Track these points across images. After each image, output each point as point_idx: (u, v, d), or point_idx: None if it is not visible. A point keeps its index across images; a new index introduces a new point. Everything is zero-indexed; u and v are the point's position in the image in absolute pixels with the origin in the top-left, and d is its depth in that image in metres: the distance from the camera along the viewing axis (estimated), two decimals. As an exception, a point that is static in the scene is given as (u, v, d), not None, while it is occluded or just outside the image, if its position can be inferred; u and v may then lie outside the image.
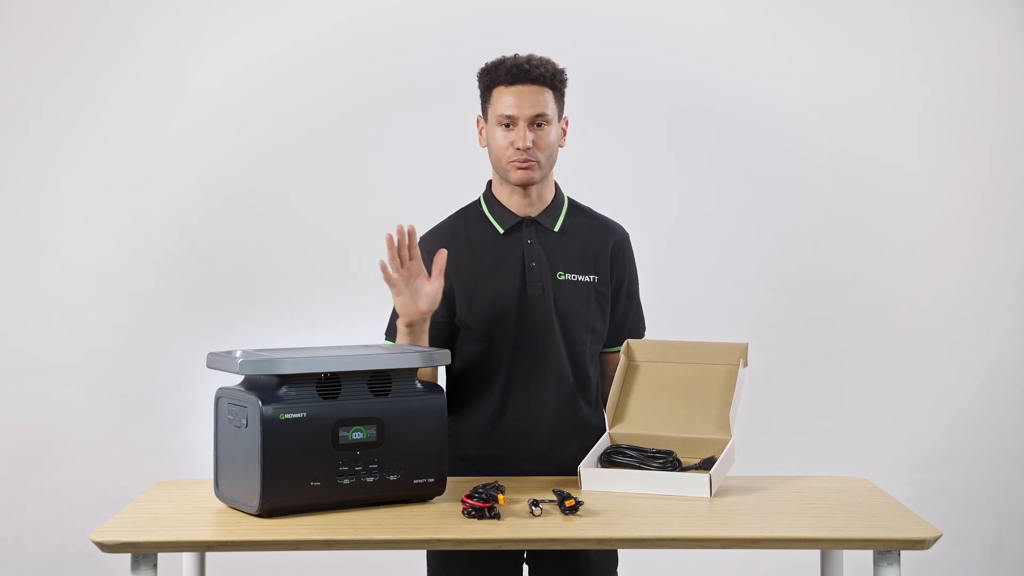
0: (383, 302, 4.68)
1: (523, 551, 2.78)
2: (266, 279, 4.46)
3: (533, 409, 2.73)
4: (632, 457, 2.57)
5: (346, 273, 4.45)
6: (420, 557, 2.89)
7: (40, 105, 4.41)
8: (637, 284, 2.89)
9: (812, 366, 4.52)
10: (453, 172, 4.46)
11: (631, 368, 2.72)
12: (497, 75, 2.70)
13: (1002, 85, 4.53)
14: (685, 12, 4.53)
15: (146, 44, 4.44)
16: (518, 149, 2.68)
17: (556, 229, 2.78)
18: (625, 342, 2.72)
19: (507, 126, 2.69)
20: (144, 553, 2.18)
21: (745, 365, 2.69)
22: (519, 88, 2.68)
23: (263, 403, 2.28)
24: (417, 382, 2.45)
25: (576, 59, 4.47)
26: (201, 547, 2.21)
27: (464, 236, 2.78)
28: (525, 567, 2.83)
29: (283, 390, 2.31)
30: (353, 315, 4.43)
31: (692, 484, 2.49)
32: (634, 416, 2.68)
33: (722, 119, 4.51)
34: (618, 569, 2.86)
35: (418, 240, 2.72)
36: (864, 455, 4.47)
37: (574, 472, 2.64)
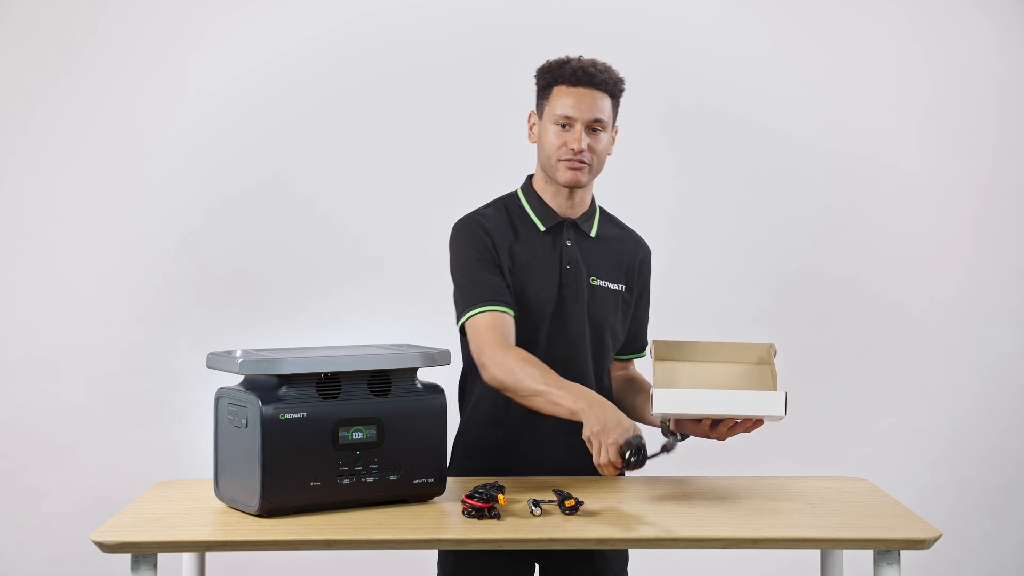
0: (383, 302, 4.70)
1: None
2: (266, 279, 4.46)
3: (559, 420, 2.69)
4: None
5: (346, 273, 4.45)
6: (420, 557, 2.89)
7: (40, 105, 4.41)
8: (649, 297, 2.93)
9: (812, 366, 4.52)
10: (454, 172, 4.48)
11: (666, 366, 2.69)
12: (560, 74, 2.69)
13: (1002, 85, 4.53)
14: (685, 12, 4.53)
15: (146, 44, 4.44)
16: (572, 150, 2.67)
17: (592, 234, 2.78)
18: (652, 341, 2.71)
19: (563, 126, 2.68)
20: (144, 553, 2.18)
21: (775, 356, 2.69)
22: (581, 91, 2.68)
23: (263, 403, 2.28)
24: (417, 382, 2.45)
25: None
26: (201, 547, 2.21)
27: (509, 225, 2.75)
28: (537, 564, 2.83)
29: (283, 390, 2.31)
30: (353, 315, 4.44)
31: (766, 402, 2.48)
32: (679, 382, 2.64)
33: (722, 119, 4.51)
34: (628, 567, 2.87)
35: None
36: (864, 455, 4.47)
37: (585, 473, 2.66)
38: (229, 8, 4.47)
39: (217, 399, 2.41)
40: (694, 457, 4.44)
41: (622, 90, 2.76)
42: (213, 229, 4.44)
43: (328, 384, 2.35)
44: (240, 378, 2.41)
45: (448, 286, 2.78)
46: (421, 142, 4.46)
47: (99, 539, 2.17)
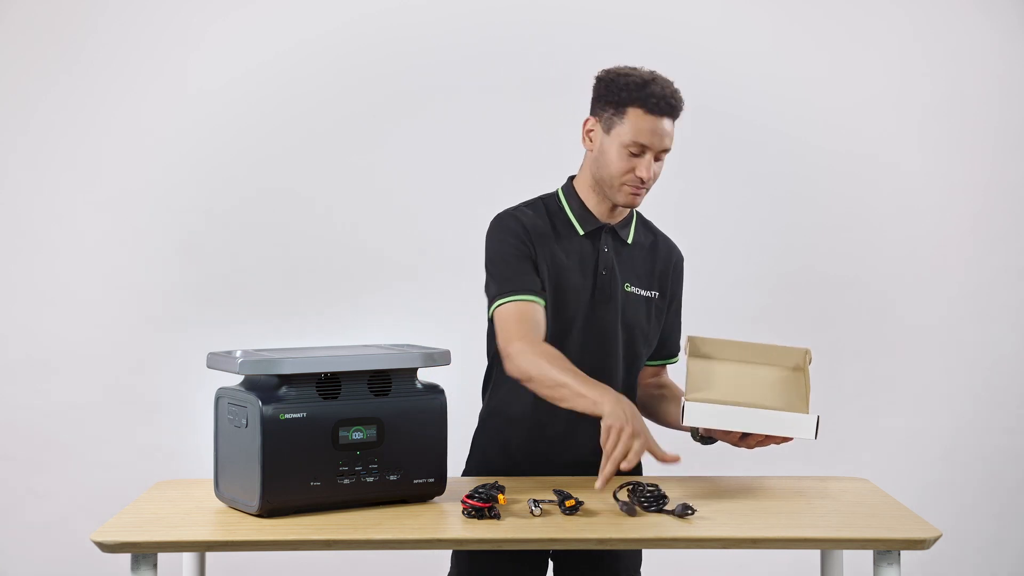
0: (383, 302, 4.70)
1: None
2: (266, 279, 4.46)
3: (581, 414, 2.62)
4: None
5: (346, 273, 4.45)
6: (420, 557, 2.89)
7: (40, 105, 4.41)
8: (681, 303, 2.94)
9: (812, 366, 4.51)
10: (454, 172, 4.48)
11: (701, 363, 2.67)
12: (639, 97, 2.60)
13: (1002, 85, 4.53)
14: (685, 12, 4.53)
15: (146, 44, 4.44)
16: (640, 178, 2.63)
17: (629, 241, 2.78)
18: (687, 337, 2.68)
19: (634, 154, 2.62)
20: (144, 553, 2.18)
21: (810, 362, 2.67)
22: (661, 120, 2.62)
23: (263, 403, 2.28)
24: (417, 382, 2.45)
25: (576, 59, 4.51)
26: (201, 547, 2.21)
27: (549, 224, 2.71)
28: (551, 561, 2.83)
29: (283, 390, 2.31)
30: (353, 315, 4.44)
31: (798, 425, 2.47)
32: (712, 388, 2.61)
33: (722, 119, 4.51)
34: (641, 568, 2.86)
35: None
36: (864, 455, 4.47)
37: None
38: (229, 8, 4.47)
39: (217, 399, 2.41)
40: (694, 457, 4.45)
41: (681, 111, 2.70)
42: (213, 229, 4.44)
43: (328, 384, 2.35)
44: (240, 378, 2.41)
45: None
46: (421, 142, 4.46)
47: (99, 539, 2.17)
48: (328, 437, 2.33)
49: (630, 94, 2.61)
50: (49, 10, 4.41)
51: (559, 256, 2.69)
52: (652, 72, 2.67)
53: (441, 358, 2.48)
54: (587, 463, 2.66)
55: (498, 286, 2.62)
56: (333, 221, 4.47)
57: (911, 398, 4.53)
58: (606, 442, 2.37)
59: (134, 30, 4.44)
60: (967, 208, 4.54)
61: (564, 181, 2.80)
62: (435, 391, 2.46)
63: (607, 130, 2.65)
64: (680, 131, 4.50)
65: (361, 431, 2.36)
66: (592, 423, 2.46)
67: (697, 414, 2.51)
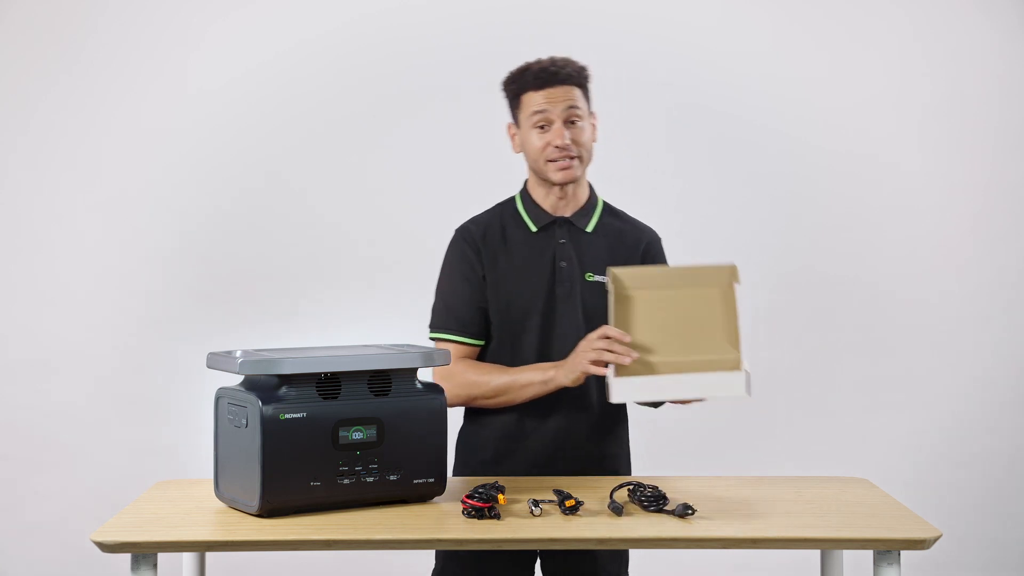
0: (383, 302, 4.69)
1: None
2: (266, 279, 4.46)
3: (553, 407, 2.72)
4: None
5: (346, 273, 4.45)
6: (420, 557, 2.89)
7: (40, 105, 4.41)
8: None
9: (812, 366, 4.52)
10: (455, 172, 4.47)
11: (622, 299, 2.62)
12: (525, 81, 2.72)
13: (1002, 85, 4.53)
14: (685, 12, 4.53)
15: (146, 44, 4.44)
16: (557, 147, 2.69)
17: (589, 230, 2.79)
18: (610, 270, 2.64)
19: (542, 127, 2.70)
20: (144, 553, 2.18)
21: (738, 282, 2.63)
22: (549, 91, 2.69)
23: (263, 403, 2.28)
24: (417, 382, 2.45)
25: (576, 59, 4.50)
26: (201, 547, 2.21)
27: (500, 231, 2.78)
28: (540, 559, 2.84)
29: (283, 390, 2.31)
30: (353, 315, 4.44)
31: (727, 384, 2.45)
32: (639, 348, 2.56)
33: (722, 119, 4.51)
34: (628, 569, 2.86)
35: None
36: (864, 455, 4.47)
37: (588, 471, 2.69)
38: (229, 8, 4.47)
39: (217, 399, 2.41)
40: (694, 457, 4.45)
41: (588, 77, 2.77)
42: (213, 229, 4.44)
43: (328, 384, 2.35)
44: (240, 378, 2.41)
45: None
46: (421, 142, 4.46)
47: (99, 539, 2.17)
48: (328, 437, 2.33)
49: (518, 83, 2.74)
50: (49, 10, 4.41)
51: (510, 259, 2.75)
52: (540, 58, 2.75)
53: (441, 358, 2.48)
54: (558, 459, 2.71)
55: (435, 319, 2.80)
56: (333, 221, 4.47)
57: (911, 398, 4.53)
58: (594, 354, 2.49)
59: (134, 30, 4.44)
60: (967, 208, 4.54)
61: (521, 186, 2.86)
62: (435, 391, 2.46)
63: (519, 124, 2.75)
64: (680, 131, 4.56)
65: (361, 431, 2.36)
66: (562, 418, 2.64)
67: (623, 390, 2.48)
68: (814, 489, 2.58)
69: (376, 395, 2.39)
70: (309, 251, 4.46)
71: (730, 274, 2.65)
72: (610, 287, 2.62)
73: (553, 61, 2.73)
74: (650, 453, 4.42)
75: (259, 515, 2.30)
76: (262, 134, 4.46)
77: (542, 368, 2.64)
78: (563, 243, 2.76)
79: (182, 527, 2.26)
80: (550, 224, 2.77)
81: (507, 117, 2.82)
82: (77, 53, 4.42)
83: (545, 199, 2.78)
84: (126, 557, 2.22)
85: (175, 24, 4.44)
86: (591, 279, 2.76)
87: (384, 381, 2.40)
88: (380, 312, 4.41)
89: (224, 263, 4.44)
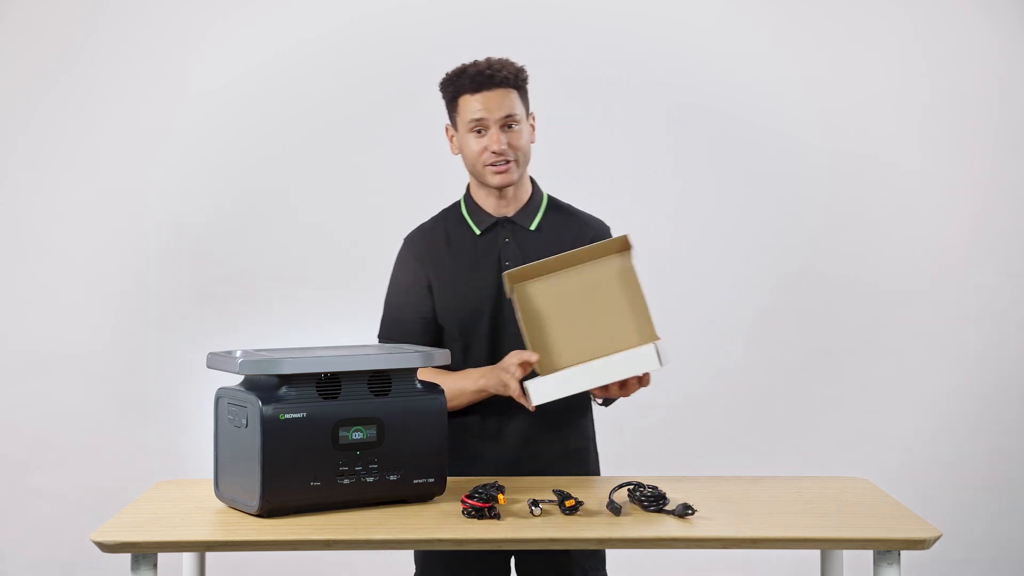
0: (383, 303, 4.68)
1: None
2: (266, 279, 4.46)
3: (506, 408, 2.73)
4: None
5: (346, 273, 4.45)
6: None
7: (40, 105, 4.41)
8: None
9: (812, 366, 4.52)
10: (454, 172, 4.47)
11: (523, 297, 2.62)
12: (461, 84, 2.74)
13: (1002, 85, 4.53)
14: (685, 12, 4.53)
15: (146, 44, 4.44)
16: (493, 152, 2.70)
17: (532, 228, 2.79)
18: (505, 274, 2.63)
19: (479, 131, 2.72)
20: (144, 553, 2.18)
21: (631, 248, 2.60)
22: (485, 94, 2.71)
23: (263, 403, 2.28)
24: (417, 382, 2.45)
25: (576, 59, 4.51)
26: (201, 547, 2.21)
27: (444, 236, 2.82)
28: (513, 558, 2.84)
29: (283, 390, 2.31)
30: (353, 315, 4.43)
31: (640, 360, 2.46)
32: (548, 343, 2.59)
33: (722, 119, 4.51)
34: (606, 567, 2.85)
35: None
36: (864, 455, 4.47)
37: (550, 471, 2.69)
38: (229, 8, 4.47)
39: (217, 399, 2.41)
40: (694, 457, 4.45)
41: (525, 79, 2.78)
42: (213, 229, 4.44)
43: (328, 384, 2.35)
44: (240, 378, 2.41)
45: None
46: (421, 142, 4.46)
47: (99, 539, 2.17)
48: (328, 437, 2.33)
49: (454, 86, 2.76)
50: (49, 10, 4.41)
51: (453, 265, 2.77)
52: (477, 60, 2.76)
53: (440, 358, 2.48)
54: (518, 470, 2.72)
55: (382, 328, 2.85)
56: (333, 221, 4.47)
57: (911, 398, 4.53)
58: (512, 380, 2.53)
59: (134, 30, 4.44)
60: (967, 208, 4.54)
61: (465, 189, 2.87)
62: (435, 391, 2.46)
63: (456, 127, 2.78)
64: (680, 131, 4.55)
65: (361, 431, 2.36)
66: (523, 418, 2.69)
67: (541, 391, 2.50)
68: (814, 489, 2.58)
69: (376, 395, 2.39)
70: (309, 250, 4.46)
71: (623, 244, 2.62)
72: (507, 286, 2.63)
73: (490, 64, 2.74)
74: (650, 453, 4.43)
75: (259, 515, 2.30)
76: (262, 134, 4.46)
77: (473, 377, 2.67)
78: (508, 243, 2.77)
79: (182, 527, 2.26)
80: (493, 225, 2.79)
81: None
82: (77, 53, 4.42)
83: (486, 201, 2.80)
84: (126, 557, 2.22)
85: (175, 24, 4.44)
86: None
87: (384, 381, 2.41)
88: (380, 312, 4.40)
89: (224, 263, 4.44)
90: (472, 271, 2.77)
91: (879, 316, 4.53)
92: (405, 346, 2.60)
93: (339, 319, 4.41)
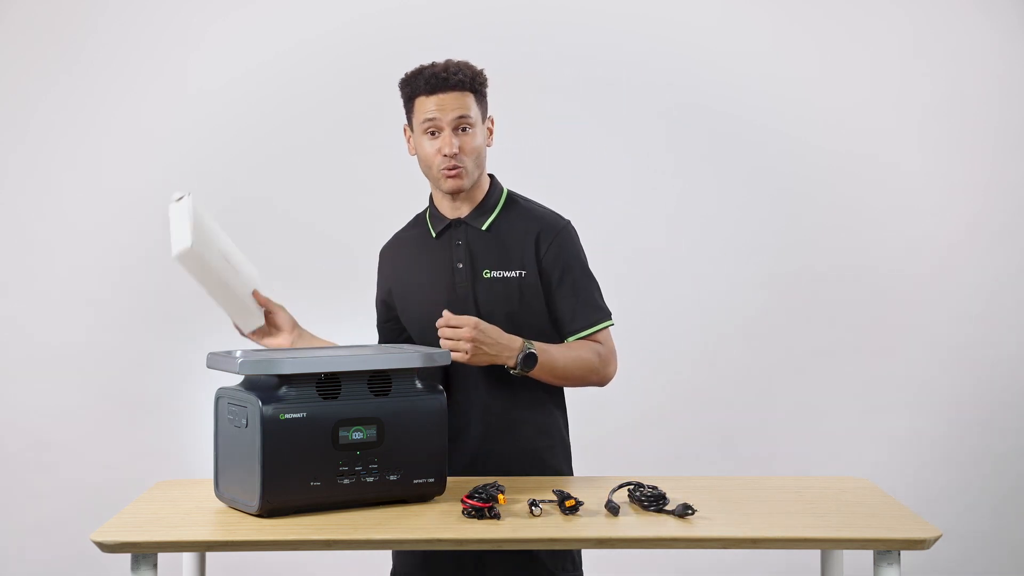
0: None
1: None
2: (266, 279, 4.44)
3: (465, 408, 2.74)
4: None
5: (346, 273, 4.44)
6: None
7: (40, 105, 4.41)
8: (581, 272, 2.79)
9: (812, 366, 4.52)
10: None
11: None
12: (417, 85, 2.72)
13: (1002, 85, 4.53)
14: (685, 12, 4.53)
15: (146, 44, 4.44)
16: (445, 156, 2.70)
17: (484, 228, 2.78)
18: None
19: (432, 134, 2.71)
20: (144, 553, 2.18)
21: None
22: (440, 96, 2.70)
23: (263, 403, 2.28)
24: (417, 382, 2.45)
25: (576, 59, 4.51)
26: (201, 547, 2.21)
27: (411, 242, 2.85)
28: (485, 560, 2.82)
29: (283, 390, 2.31)
30: (352, 315, 4.43)
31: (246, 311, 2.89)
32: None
33: (722, 119, 4.51)
34: (582, 567, 2.82)
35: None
36: (864, 455, 4.47)
37: (509, 471, 2.68)
38: (229, 8, 4.47)
39: (217, 399, 2.41)
40: (694, 457, 4.45)
41: (483, 83, 2.78)
42: (213, 229, 4.43)
43: (328, 384, 2.35)
44: (240, 378, 2.41)
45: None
46: (421, 142, 4.46)
47: (99, 539, 2.17)
48: (328, 437, 2.33)
49: (411, 87, 2.75)
50: (49, 10, 4.41)
51: (418, 269, 2.80)
52: (435, 62, 2.76)
53: (440, 358, 2.48)
54: (478, 469, 2.71)
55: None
56: (333, 221, 4.47)
57: (911, 398, 4.53)
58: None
59: (134, 30, 4.44)
60: (967, 208, 4.54)
61: None
62: (435, 391, 2.46)
63: (412, 129, 2.77)
64: (680, 131, 4.55)
65: (361, 431, 2.36)
66: (474, 425, 2.70)
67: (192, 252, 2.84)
68: (814, 489, 2.58)
69: (376, 395, 2.39)
70: (309, 250, 4.46)
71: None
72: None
73: (447, 66, 2.73)
74: (650, 453, 4.43)
75: (259, 515, 2.30)
76: (262, 134, 4.46)
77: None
78: (459, 244, 2.77)
79: (182, 527, 2.26)
80: (447, 227, 2.79)
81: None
82: (77, 53, 4.42)
83: (442, 203, 2.81)
84: (126, 557, 2.22)
85: (175, 24, 4.45)
86: (488, 276, 2.74)
87: (384, 381, 2.40)
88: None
89: (224, 263, 4.44)
90: (427, 275, 2.79)
91: (879, 316, 4.54)
92: (405, 346, 2.60)
93: (339, 319, 4.41)
